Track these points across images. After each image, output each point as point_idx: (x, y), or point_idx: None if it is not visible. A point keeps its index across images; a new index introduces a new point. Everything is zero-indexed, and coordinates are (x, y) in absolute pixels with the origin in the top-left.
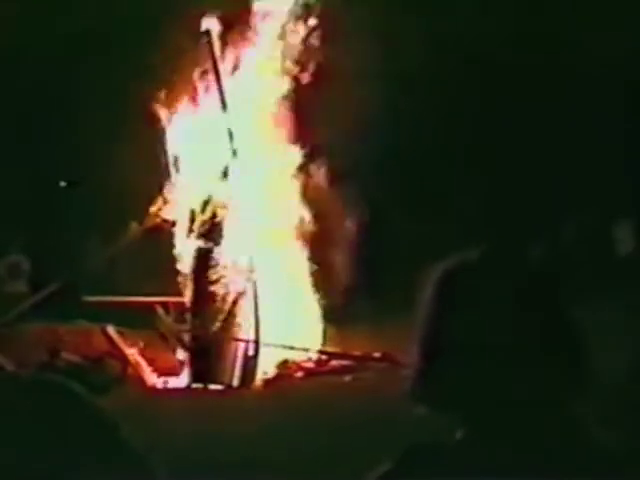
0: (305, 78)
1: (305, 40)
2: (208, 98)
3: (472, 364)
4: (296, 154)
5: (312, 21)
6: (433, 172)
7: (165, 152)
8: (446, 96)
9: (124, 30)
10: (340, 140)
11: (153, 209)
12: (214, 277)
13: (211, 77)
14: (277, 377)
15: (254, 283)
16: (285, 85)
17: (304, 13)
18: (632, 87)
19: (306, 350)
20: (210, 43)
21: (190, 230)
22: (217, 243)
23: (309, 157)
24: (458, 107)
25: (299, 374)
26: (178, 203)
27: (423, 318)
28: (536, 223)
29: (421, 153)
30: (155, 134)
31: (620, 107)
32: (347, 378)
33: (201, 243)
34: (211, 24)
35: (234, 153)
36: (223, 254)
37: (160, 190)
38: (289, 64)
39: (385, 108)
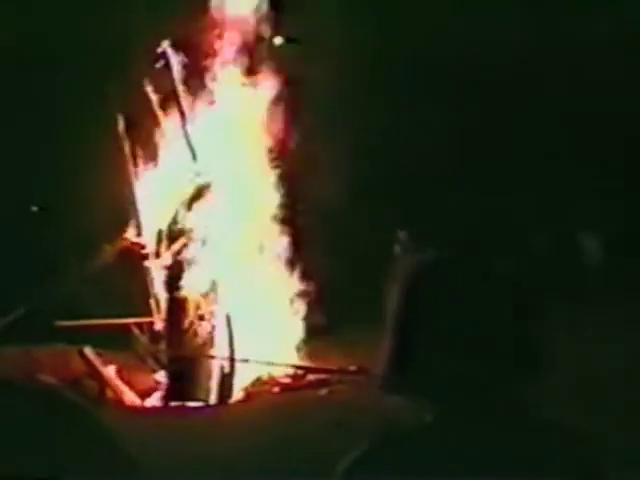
0: (277, 88)
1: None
2: (172, 120)
3: (439, 357)
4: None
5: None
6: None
7: (133, 176)
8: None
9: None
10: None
11: (124, 233)
12: (185, 297)
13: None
14: (254, 393)
15: (226, 301)
16: (256, 98)
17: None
18: (606, 99)
19: (282, 365)
20: (168, 66)
21: (157, 253)
22: (184, 265)
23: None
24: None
25: (276, 389)
26: (146, 226)
27: (392, 314)
28: (504, 232)
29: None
30: (124, 157)
31: (591, 118)
32: (323, 392)
33: (169, 265)
34: (168, 47)
35: (197, 174)
36: (193, 275)
37: (131, 214)
38: (256, 75)
39: (369, 112)
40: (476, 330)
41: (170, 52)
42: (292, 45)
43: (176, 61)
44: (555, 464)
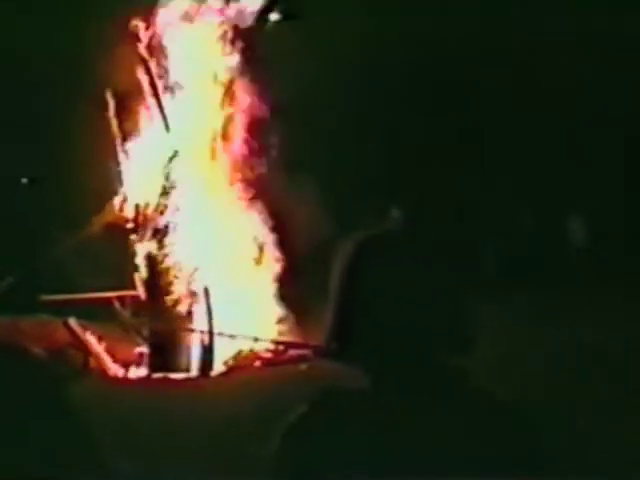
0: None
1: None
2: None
3: (378, 324)
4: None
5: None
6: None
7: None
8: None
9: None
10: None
11: (110, 205)
12: (166, 270)
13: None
14: (235, 367)
15: (206, 275)
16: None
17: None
18: (589, 85)
19: (261, 340)
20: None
21: (136, 226)
22: (164, 238)
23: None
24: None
25: (257, 363)
26: (128, 199)
27: (333, 289)
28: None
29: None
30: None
31: (577, 104)
32: (303, 366)
33: (150, 239)
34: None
35: (175, 153)
36: (174, 246)
37: (117, 186)
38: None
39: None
40: (410, 302)
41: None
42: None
43: (145, 36)
44: (484, 431)
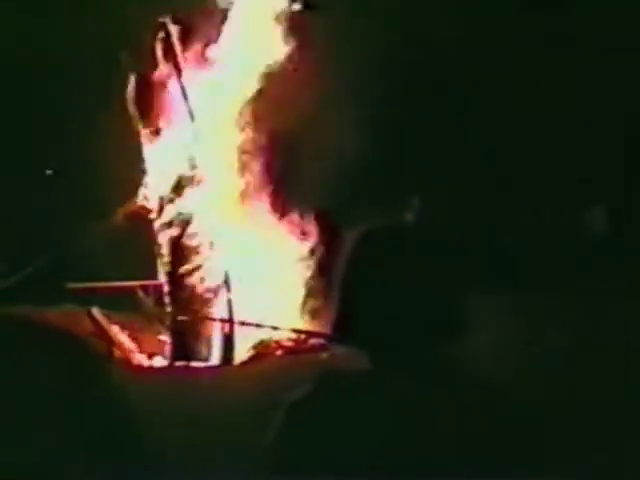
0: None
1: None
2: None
3: (382, 313)
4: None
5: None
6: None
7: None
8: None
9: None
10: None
11: (133, 196)
12: (188, 260)
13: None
14: (257, 355)
15: (227, 263)
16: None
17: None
18: (608, 79)
19: (283, 329)
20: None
21: (159, 216)
22: (186, 227)
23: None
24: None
25: (279, 352)
26: (151, 189)
27: (337, 279)
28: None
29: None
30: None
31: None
32: (324, 355)
33: (172, 228)
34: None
35: (196, 138)
36: (195, 237)
37: (141, 176)
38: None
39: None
40: (409, 293)
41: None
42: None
43: (175, 30)
44: (478, 415)
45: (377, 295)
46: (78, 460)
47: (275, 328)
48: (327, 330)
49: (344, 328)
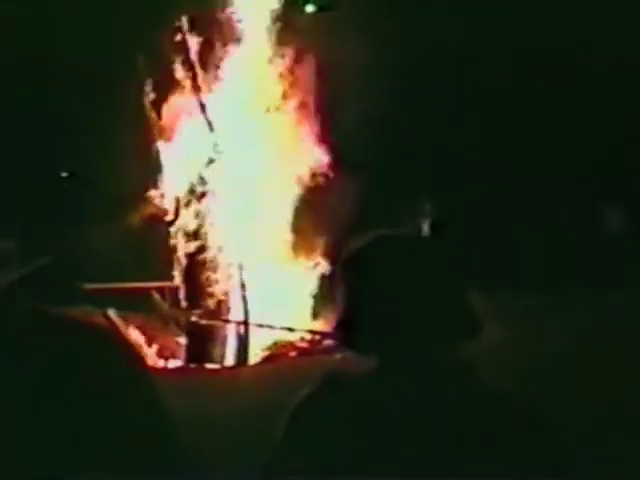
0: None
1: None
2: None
3: (381, 318)
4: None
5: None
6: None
7: (155, 143)
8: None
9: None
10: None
11: (148, 196)
12: (204, 262)
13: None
14: (271, 357)
15: (241, 265)
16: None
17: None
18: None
19: (296, 330)
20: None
21: (175, 218)
22: (201, 228)
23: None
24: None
25: (292, 353)
26: (168, 191)
27: (340, 284)
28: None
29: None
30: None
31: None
32: (338, 356)
33: (188, 230)
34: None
35: (215, 145)
36: (210, 240)
37: (157, 179)
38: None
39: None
40: (412, 297)
41: (185, 27)
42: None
43: (191, 36)
44: (484, 416)
45: (382, 296)
46: (91, 459)
47: (290, 330)
48: (332, 330)
49: (349, 328)
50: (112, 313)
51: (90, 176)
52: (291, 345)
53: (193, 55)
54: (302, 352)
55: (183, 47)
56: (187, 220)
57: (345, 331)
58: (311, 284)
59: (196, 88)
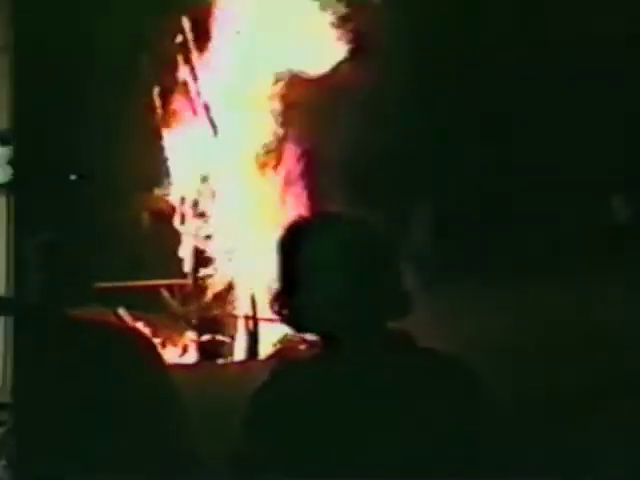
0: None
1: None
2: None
3: (323, 296)
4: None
5: None
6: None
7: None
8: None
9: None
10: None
11: (157, 193)
12: (211, 261)
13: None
14: (281, 350)
15: (249, 261)
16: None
17: None
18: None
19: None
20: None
21: (182, 217)
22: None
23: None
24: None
25: (302, 346)
26: (174, 190)
27: (279, 264)
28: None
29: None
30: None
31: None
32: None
33: (194, 229)
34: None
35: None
36: (217, 237)
37: (163, 177)
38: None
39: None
40: (349, 278)
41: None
42: None
43: (191, 36)
44: (427, 387)
45: (321, 277)
46: (108, 457)
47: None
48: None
49: (290, 308)
50: (122, 312)
51: (99, 175)
52: (301, 338)
53: (195, 56)
54: (312, 345)
55: (184, 48)
56: (194, 218)
57: (282, 308)
58: None
59: (197, 86)
